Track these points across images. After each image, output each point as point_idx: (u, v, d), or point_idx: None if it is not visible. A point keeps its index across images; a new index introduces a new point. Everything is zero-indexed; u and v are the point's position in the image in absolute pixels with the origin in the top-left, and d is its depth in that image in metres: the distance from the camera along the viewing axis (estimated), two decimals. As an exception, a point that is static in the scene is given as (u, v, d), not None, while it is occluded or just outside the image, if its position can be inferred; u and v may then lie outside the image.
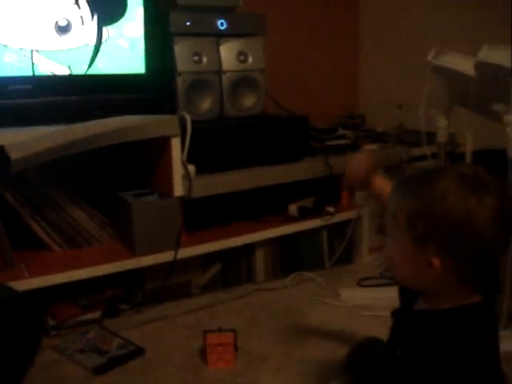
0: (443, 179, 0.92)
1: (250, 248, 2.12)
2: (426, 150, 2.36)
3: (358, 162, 1.31)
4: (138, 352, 1.62)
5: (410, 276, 0.97)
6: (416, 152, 2.43)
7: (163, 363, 1.58)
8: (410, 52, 2.84)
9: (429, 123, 2.09)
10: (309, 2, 2.84)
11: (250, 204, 2.16)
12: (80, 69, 1.77)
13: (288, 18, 2.73)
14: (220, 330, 1.59)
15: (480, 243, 0.89)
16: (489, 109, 1.72)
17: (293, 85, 2.71)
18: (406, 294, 1.07)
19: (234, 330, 1.58)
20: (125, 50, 1.84)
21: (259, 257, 2.14)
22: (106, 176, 2.08)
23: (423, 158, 2.47)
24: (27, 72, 1.71)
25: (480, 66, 1.50)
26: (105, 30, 1.74)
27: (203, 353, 1.58)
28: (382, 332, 1.49)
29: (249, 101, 2.18)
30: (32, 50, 1.66)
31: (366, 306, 1.93)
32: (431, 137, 2.42)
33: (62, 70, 1.74)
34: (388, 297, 1.94)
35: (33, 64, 1.70)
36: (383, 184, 1.25)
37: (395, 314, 1.10)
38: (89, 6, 1.66)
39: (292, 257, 2.22)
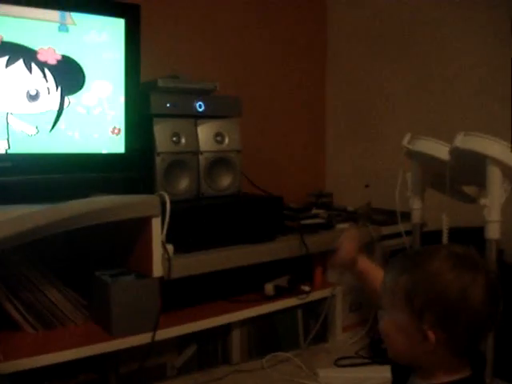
0: (438, 258, 0.97)
1: (225, 328, 2.09)
2: (400, 228, 2.45)
3: (350, 238, 1.35)
4: None
5: (405, 349, 1.00)
6: (386, 230, 2.49)
7: None
8: (375, 132, 2.96)
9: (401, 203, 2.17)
10: (278, 84, 2.95)
11: (225, 283, 2.15)
12: (45, 128, 1.87)
13: (259, 99, 2.81)
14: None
15: (474, 319, 0.94)
16: (462, 191, 1.79)
17: (263, 163, 2.78)
18: (399, 371, 1.08)
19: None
20: (82, 115, 1.94)
21: (235, 337, 2.12)
22: (82, 255, 2.04)
23: (393, 236, 2.54)
24: (2, 131, 1.79)
25: (455, 152, 1.58)
26: (66, 98, 1.90)
27: None
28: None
29: (225, 180, 2.22)
30: (7, 113, 1.80)
31: (344, 387, 1.92)
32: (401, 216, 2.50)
33: (31, 130, 1.84)
34: (366, 377, 1.96)
35: (7, 124, 1.80)
36: (367, 263, 1.28)
37: None
38: (54, 79, 1.86)
39: (267, 337, 2.20)
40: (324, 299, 2.33)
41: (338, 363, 2.14)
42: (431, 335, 0.94)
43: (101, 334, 1.82)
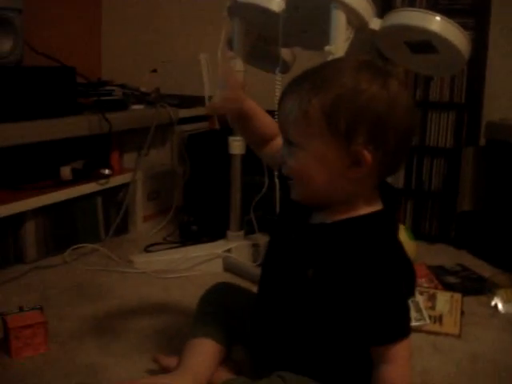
0: (351, 69, 0.85)
1: (17, 221, 1.75)
2: (199, 111, 2.34)
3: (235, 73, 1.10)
4: None
5: (324, 184, 0.87)
6: (183, 113, 2.33)
7: None
8: (152, 16, 2.77)
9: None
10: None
11: (13, 168, 1.82)
12: None
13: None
14: (22, 309, 1.26)
15: (403, 129, 0.86)
16: (278, 58, 1.66)
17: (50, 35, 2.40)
18: (300, 211, 0.94)
19: (40, 308, 1.28)
20: None
21: (29, 231, 1.79)
22: None
23: (191, 120, 2.39)
24: None
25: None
26: None
27: (4, 341, 1.23)
28: (192, 291, 1.39)
29: (4, 46, 1.81)
30: None
31: (164, 269, 1.76)
32: (190, 100, 2.37)
33: None
34: (183, 257, 1.82)
35: None
36: (253, 103, 1.08)
37: (290, 232, 0.95)
38: None
39: (66, 229, 1.91)
40: (124, 186, 2.11)
41: (148, 250, 1.96)
42: (367, 155, 0.82)
43: None
